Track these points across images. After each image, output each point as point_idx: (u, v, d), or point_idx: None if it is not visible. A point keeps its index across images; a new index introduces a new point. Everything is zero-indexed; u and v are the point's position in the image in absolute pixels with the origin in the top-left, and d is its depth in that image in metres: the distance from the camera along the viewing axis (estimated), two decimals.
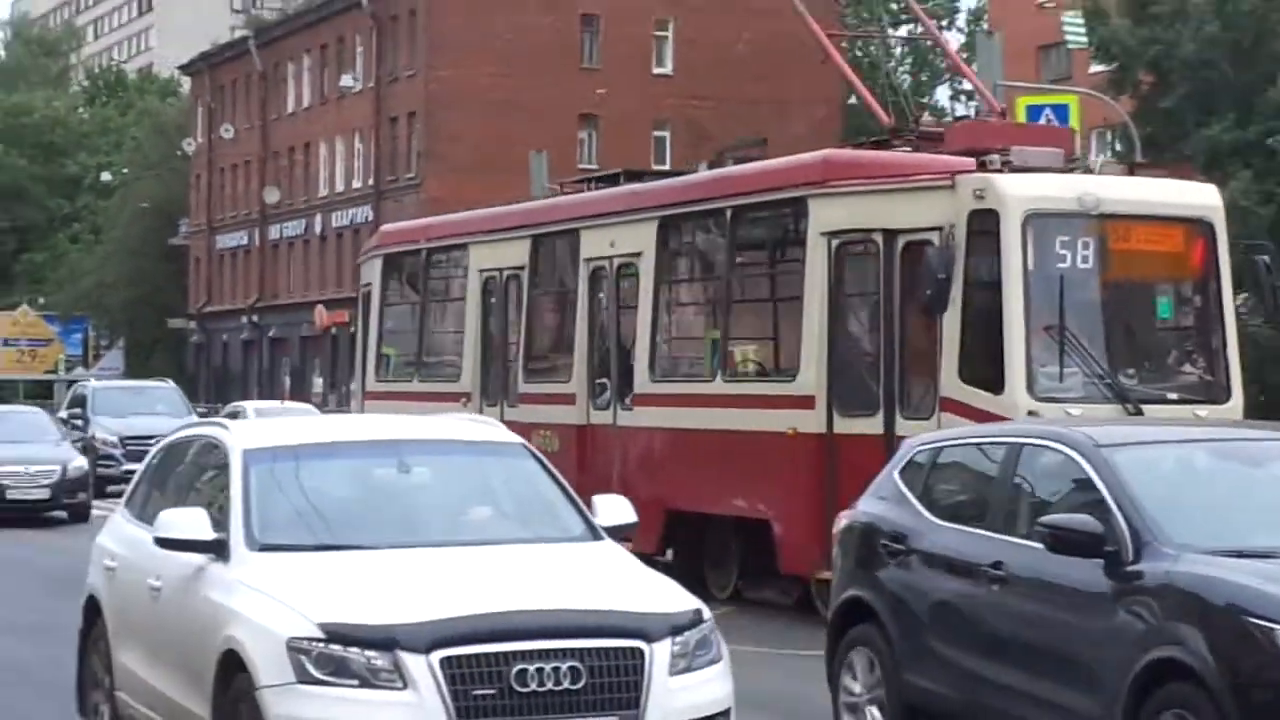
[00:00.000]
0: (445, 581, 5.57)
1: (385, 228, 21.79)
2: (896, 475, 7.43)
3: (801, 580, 13.15)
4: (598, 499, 6.64)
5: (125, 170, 76.01)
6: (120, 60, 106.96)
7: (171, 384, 37.33)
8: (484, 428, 7.61)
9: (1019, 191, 11.48)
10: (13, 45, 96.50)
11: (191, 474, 7.31)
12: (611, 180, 17.36)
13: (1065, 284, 11.44)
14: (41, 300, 68.79)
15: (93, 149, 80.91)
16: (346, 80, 61.05)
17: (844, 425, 11.97)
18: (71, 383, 58.54)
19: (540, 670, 5.10)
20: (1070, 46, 40.24)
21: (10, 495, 21.25)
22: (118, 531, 7.60)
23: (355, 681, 5.16)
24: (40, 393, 58.75)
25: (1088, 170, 12.56)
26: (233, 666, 5.41)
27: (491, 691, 5.08)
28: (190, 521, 6.02)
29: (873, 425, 11.70)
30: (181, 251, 73.76)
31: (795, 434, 12.28)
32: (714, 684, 5.52)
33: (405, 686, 5.11)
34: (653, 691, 5.22)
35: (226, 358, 66.16)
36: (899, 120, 15.45)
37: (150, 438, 25.86)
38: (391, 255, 20.27)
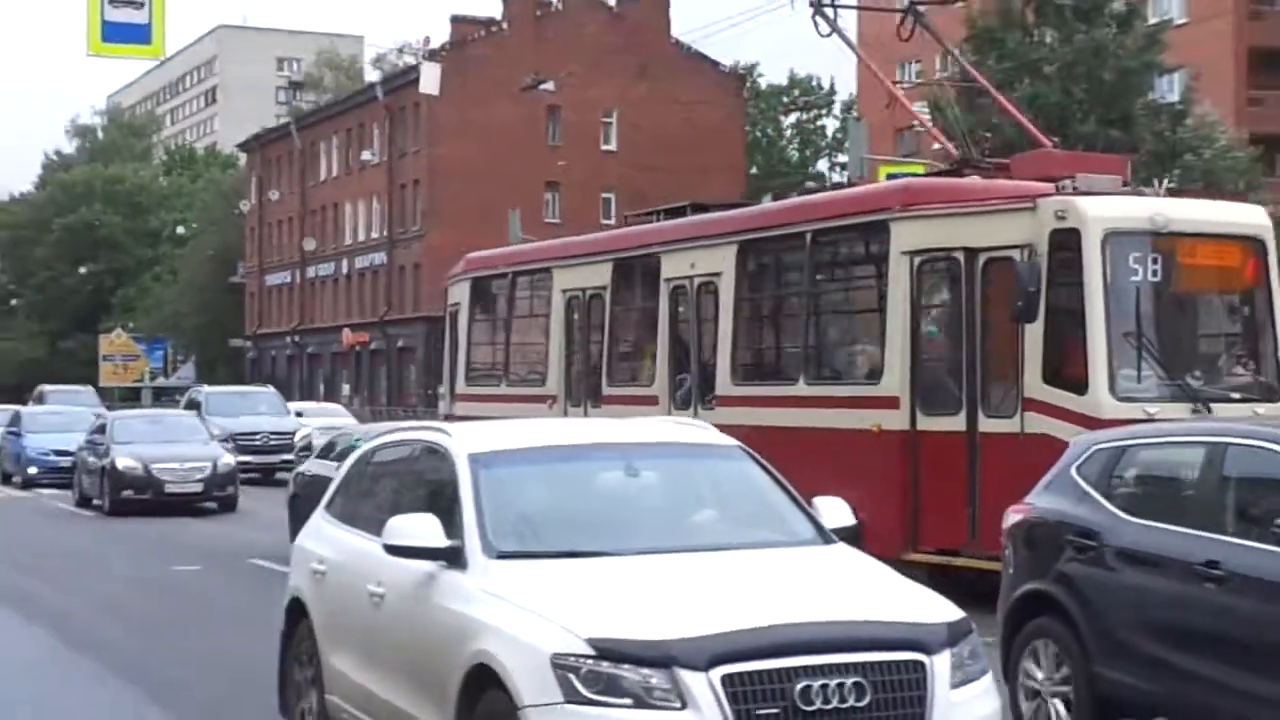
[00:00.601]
0: (713, 591, 4.37)
1: (470, 255, 19.52)
2: (1074, 472, 6.29)
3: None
4: (817, 500, 5.33)
5: (195, 225, 77.04)
6: (191, 140, 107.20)
7: (272, 389, 33.92)
8: (697, 430, 6.11)
9: (1098, 212, 10.62)
10: (109, 128, 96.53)
11: (407, 479, 5.99)
12: (679, 212, 15.75)
13: (1139, 295, 10.65)
14: (131, 325, 68.60)
15: (170, 208, 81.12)
16: (366, 155, 62.12)
17: (926, 423, 11.00)
18: (160, 390, 58.99)
19: (824, 687, 3.95)
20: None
21: (169, 489, 19.60)
22: (321, 535, 6.28)
23: (628, 701, 3.98)
24: (129, 396, 59.46)
25: (1142, 194, 11.53)
26: (484, 682, 4.27)
27: (775, 711, 3.94)
28: (422, 528, 4.83)
29: (955, 423, 10.77)
30: (239, 287, 74.06)
31: (880, 431, 11.16)
32: (988, 696, 4.38)
33: (684, 706, 3.94)
34: (936, 706, 4.08)
35: (274, 369, 66.22)
36: (963, 152, 14.42)
37: (256, 434, 25.21)
38: (479, 278, 18.39)
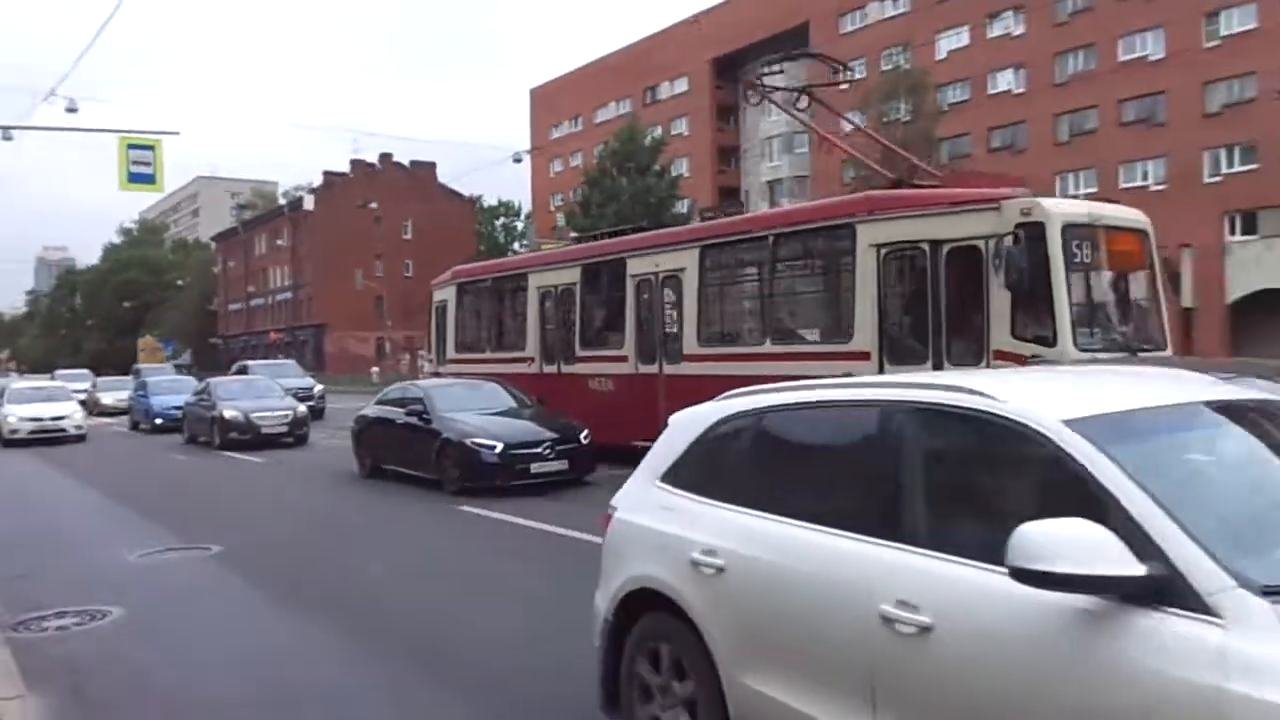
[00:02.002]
0: None
1: (456, 268, 21.68)
2: None
3: None
4: None
5: (189, 279, 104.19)
6: (185, 234, 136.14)
7: (294, 361, 39.48)
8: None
9: (1056, 210, 11.38)
10: (140, 228, 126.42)
11: (878, 455, 3.72)
12: (620, 233, 18.27)
13: (1085, 271, 11.44)
14: (155, 332, 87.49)
15: (175, 271, 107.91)
16: (280, 242, 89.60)
17: (894, 371, 11.13)
18: (177, 367, 59.85)
19: None
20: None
21: (264, 431, 22.32)
22: (683, 513, 4.31)
23: None
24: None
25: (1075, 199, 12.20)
26: None
27: None
28: (1090, 543, 2.68)
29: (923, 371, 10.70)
30: (214, 313, 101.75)
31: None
32: None
33: None
34: None
35: (234, 355, 77.19)
36: (899, 175, 15.43)
37: (300, 389, 28.94)
38: (464, 283, 20.57)
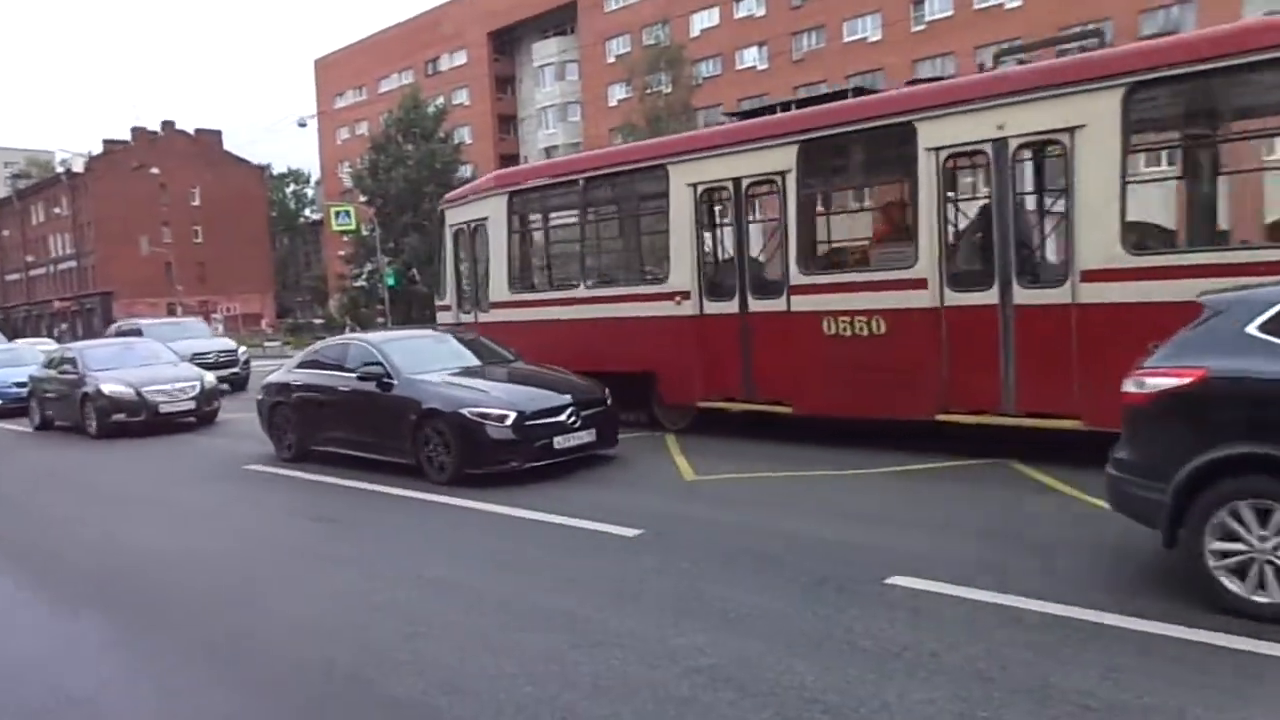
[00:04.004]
0: None
1: (499, 173, 16.15)
2: (1255, 330, 5.25)
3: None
4: None
5: None
6: None
7: (200, 319, 33.29)
8: None
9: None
10: None
11: None
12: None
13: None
14: None
15: None
16: (60, 211, 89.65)
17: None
18: None
19: None
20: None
21: (163, 409, 17.44)
22: None
23: None
24: None
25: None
26: None
27: None
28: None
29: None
30: None
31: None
32: None
33: None
34: None
35: (17, 327, 78.63)
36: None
37: (208, 353, 23.37)
38: (521, 191, 14.82)
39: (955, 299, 10.10)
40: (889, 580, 6.35)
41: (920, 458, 10.51)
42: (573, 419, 11.20)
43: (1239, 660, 4.87)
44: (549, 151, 71.54)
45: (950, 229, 10.49)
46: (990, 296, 9.85)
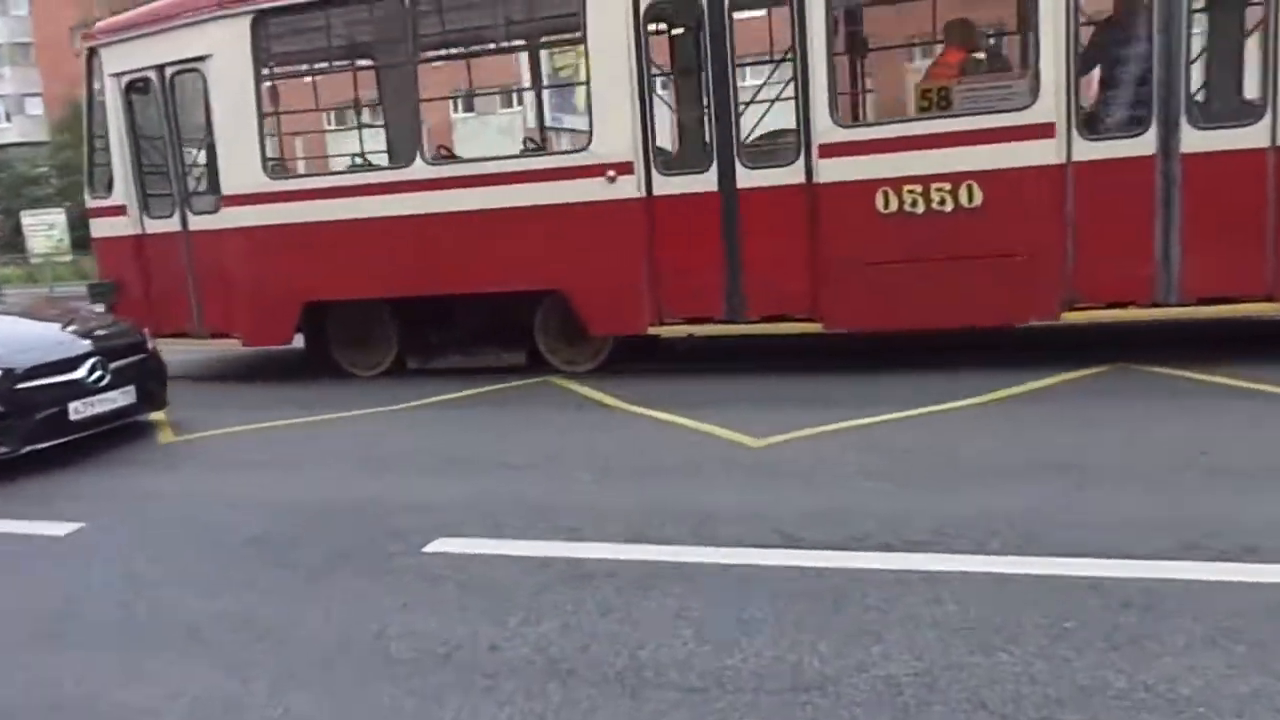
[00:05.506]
0: None
1: None
2: None
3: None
4: None
5: None
6: None
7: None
8: None
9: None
10: None
11: None
12: None
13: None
14: None
15: None
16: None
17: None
18: None
19: None
20: None
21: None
22: None
23: None
24: None
25: None
26: None
27: None
28: None
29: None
30: None
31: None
32: None
33: None
34: None
35: None
36: None
37: None
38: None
39: (1088, 151, 7.73)
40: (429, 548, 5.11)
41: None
42: (97, 375, 7.74)
43: None
44: None
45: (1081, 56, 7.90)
46: (1145, 145, 7.60)
